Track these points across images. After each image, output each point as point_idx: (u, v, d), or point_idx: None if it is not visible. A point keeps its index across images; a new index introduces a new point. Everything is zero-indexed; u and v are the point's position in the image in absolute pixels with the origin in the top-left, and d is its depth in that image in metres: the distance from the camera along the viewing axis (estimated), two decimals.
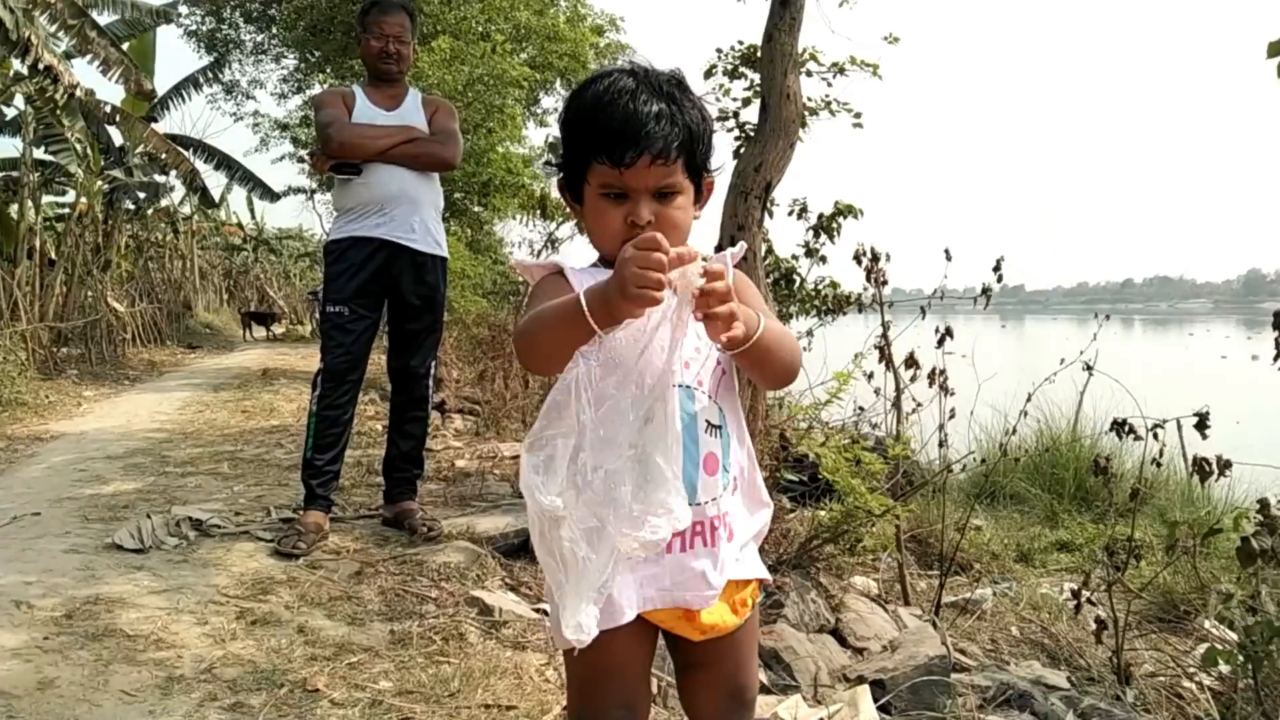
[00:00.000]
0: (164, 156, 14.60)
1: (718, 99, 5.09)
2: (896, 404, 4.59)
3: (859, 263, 4.57)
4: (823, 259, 5.33)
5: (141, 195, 15.65)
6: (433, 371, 4.07)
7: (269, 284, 29.84)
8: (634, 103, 1.35)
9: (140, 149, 14.24)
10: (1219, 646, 3.16)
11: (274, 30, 13.26)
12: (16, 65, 9.84)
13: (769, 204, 4.28)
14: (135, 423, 7.11)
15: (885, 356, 4.50)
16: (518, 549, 3.86)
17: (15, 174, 12.23)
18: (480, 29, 10.92)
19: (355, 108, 3.75)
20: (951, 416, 4.52)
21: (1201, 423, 3.43)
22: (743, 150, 4.58)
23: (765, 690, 2.82)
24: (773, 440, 4.22)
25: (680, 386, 1.33)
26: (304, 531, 3.58)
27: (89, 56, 11.09)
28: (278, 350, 16.58)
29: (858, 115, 5.15)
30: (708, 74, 5.14)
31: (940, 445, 4.58)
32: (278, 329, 22.15)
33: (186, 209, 21.49)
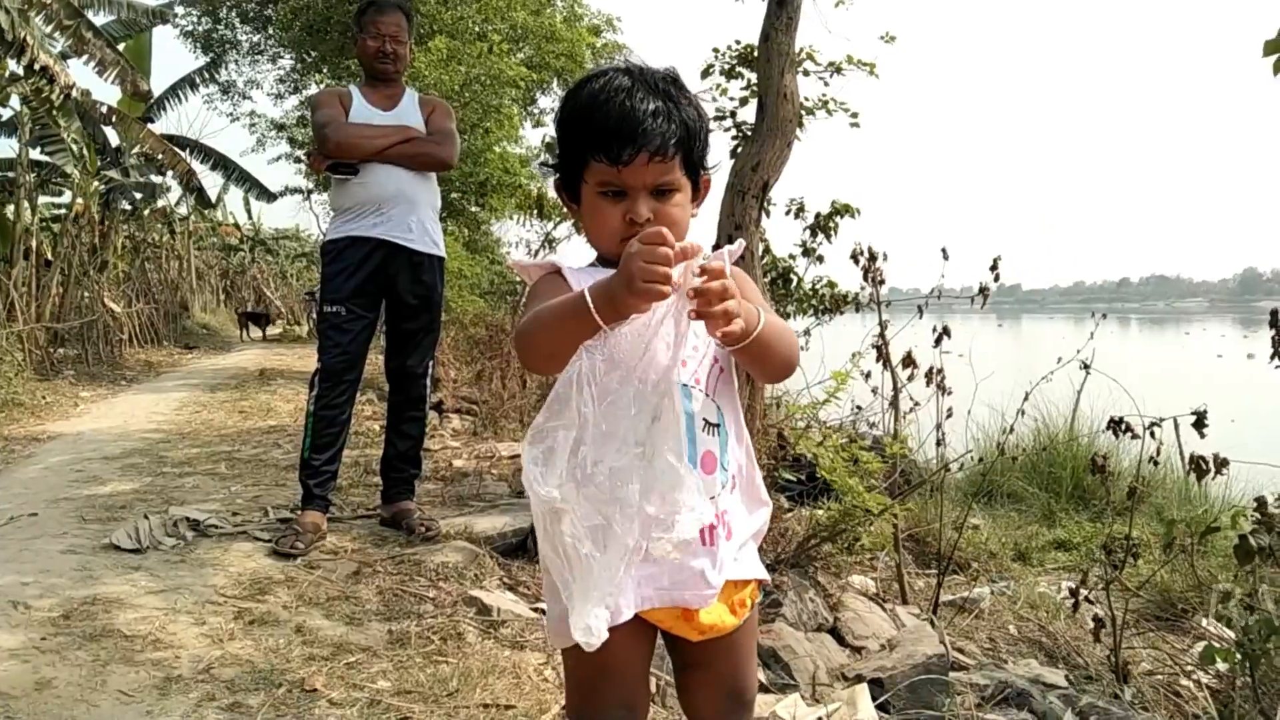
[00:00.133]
0: (160, 157, 14.59)
1: (715, 98, 5.09)
2: (894, 403, 4.60)
3: (856, 262, 4.57)
4: (820, 258, 5.33)
5: (138, 196, 15.64)
6: (430, 371, 4.07)
7: (266, 284, 29.83)
8: (630, 100, 1.35)
9: (137, 149, 14.23)
10: (1217, 644, 3.17)
11: (270, 30, 13.25)
12: (12, 66, 9.83)
13: (766, 203, 4.28)
14: (132, 423, 7.11)
15: (883, 356, 4.51)
16: (515, 549, 3.87)
17: (11, 175, 12.21)
18: (477, 29, 10.91)
19: (352, 108, 3.75)
20: (949, 416, 4.52)
21: (1199, 421, 3.43)
22: (740, 150, 4.59)
23: (764, 689, 2.83)
24: (771, 439, 4.22)
25: (679, 385, 1.33)
26: (302, 531, 3.57)
27: (85, 57, 11.09)
28: (275, 350, 16.58)
29: (854, 115, 5.16)
30: (705, 73, 5.15)
31: (938, 444, 4.59)
32: (272, 330, 22.14)
33: (183, 209, 21.49)
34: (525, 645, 2.81)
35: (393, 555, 3.55)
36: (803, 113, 4.60)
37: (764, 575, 1.53)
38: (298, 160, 17.01)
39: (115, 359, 12.33)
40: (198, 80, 15.96)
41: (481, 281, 11.86)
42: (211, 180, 19.20)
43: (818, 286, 5.37)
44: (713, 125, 1.48)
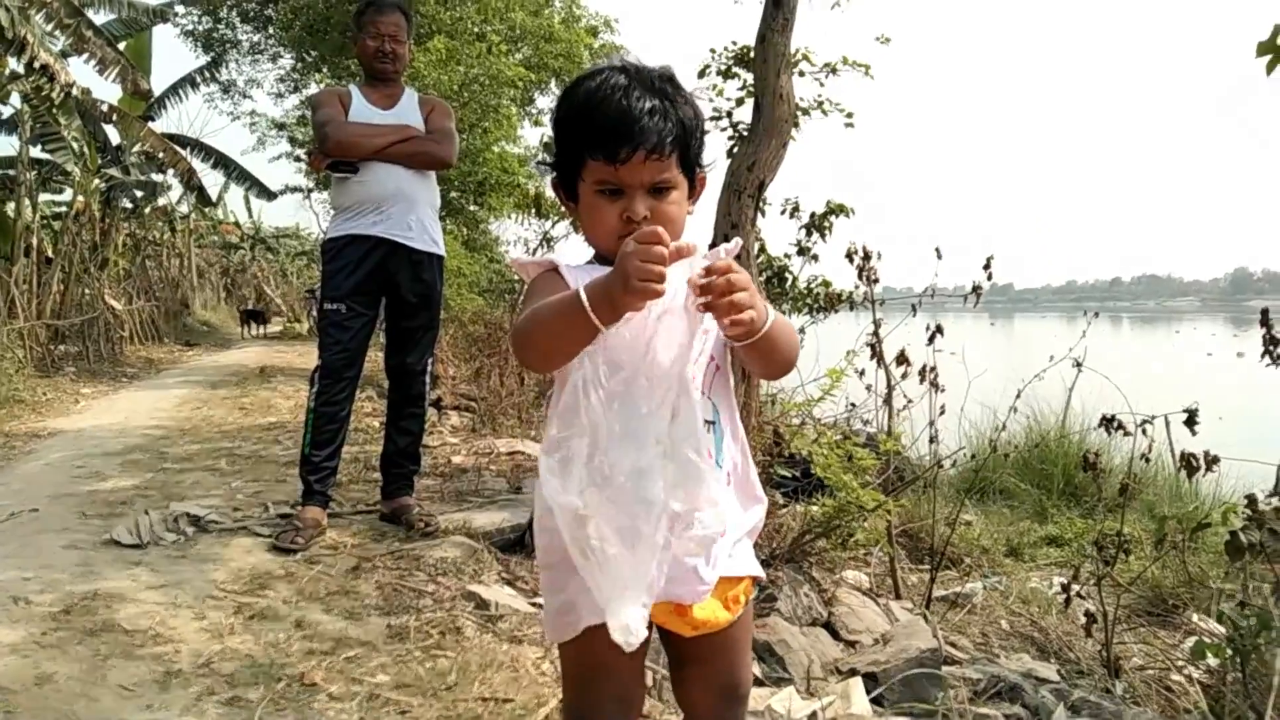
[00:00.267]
0: (161, 155, 14.59)
1: (711, 99, 5.12)
2: (888, 400, 4.62)
3: (851, 261, 4.60)
4: (814, 257, 5.35)
5: (139, 194, 15.65)
6: (429, 369, 4.09)
7: (266, 282, 29.83)
8: (627, 99, 1.36)
9: (137, 148, 14.23)
10: (1207, 640, 3.20)
11: (270, 30, 13.24)
12: (13, 64, 9.85)
13: (762, 203, 4.31)
14: (133, 420, 7.13)
15: (877, 354, 4.53)
16: (514, 544, 3.89)
17: (12, 172, 12.22)
18: (476, 30, 10.92)
19: (352, 107, 3.77)
20: (942, 413, 4.54)
21: (1191, 419, 3.46)
22: (736, 149, 4.61)
23: (758, 683, 2.85)
24: (766, 436, 4.25)
25: (695, 382, 1.32)
26: (302, 527, 3.60)
27: (85, 55, 11.09)
28: (275, 348, 16.58)
29: (849, 115, 5.18)
30: (701, 74, 5.17)
31: (931, 441, 4.61)
32: (271, 328, 22.13)
33: (184, 208, 21.50)
34: (523, 639, 2.83)
35: (392, 550, 3.57)
36: (798, 113, 4.62)
37: (758, 572, 1.53)
38: (298, 159, 17.00)
39: (116, 356, 12.35)
40: (198, 79, 15.96)
41: (480, 280, 11.87)
42: (212, 179, 19.22)
43: (812, 285, 5.40)
44: (709, 125, 1.51)
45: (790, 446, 4.12)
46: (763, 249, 5.11)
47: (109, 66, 11.44)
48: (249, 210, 29.44)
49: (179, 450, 5.78)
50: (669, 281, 1.18)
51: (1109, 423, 3.71)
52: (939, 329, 4.43)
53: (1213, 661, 3.20)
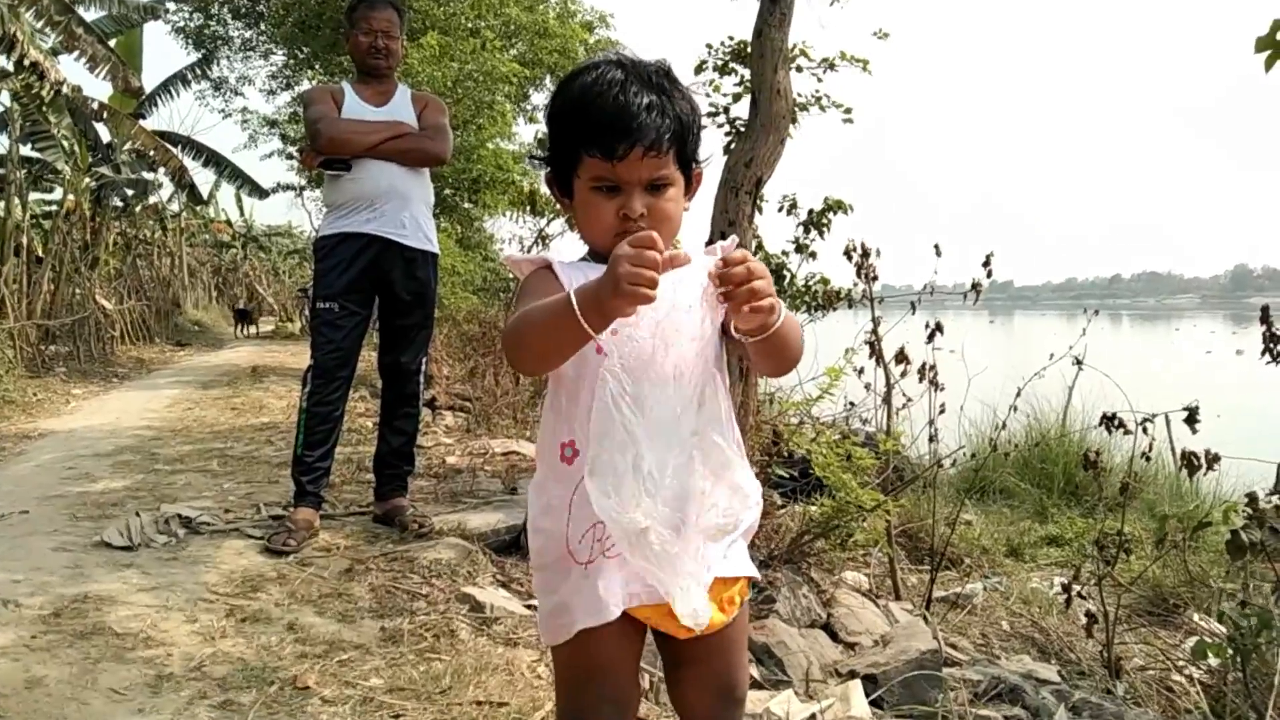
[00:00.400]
0: (152, 153, 14.55)
1: (708, 94, 5.08)
2: (887, 399, 4.60)
3: (849, 258, 4.57)
4: (813, 255, 5.33)
5: (129, 192, 15.57)
6: (424, 368, 4.07)
7: (258, 281, 29.76)
8: (624, 94, 1.34)
9: (128, 146, 14.19)
10: (1208, 639, 3.18)
11: (262, 26, 13.18)
12: (2, 61, 9.79)
13: (759, 199, 4.28)
14: (124, 420, 7.09)
15: (876, 352, 4.51)
16: (509, 545, 3.86)
17: (2, 171, 12.15)
18: (470, 25, 10.89)
19: (344, 104, 3.74)
20: (941, 412, 4.53)
21: (1191, 417, 3.44)
22: (733, 146, 4.58)
23: (757, 685, 2.83)
24: (764, 436, 4.23)
25: (718, 372, 1.35)
26: (294, 529, 3.57)
27: (76, 53, 11.04)
28: (267, 347, 16.54)
29: (848, 110, 5.15)
30: (698, 69, 5.14)
31: (930, 440, 4.59)
32: (264, 327, 22.07)
33: (175, 206, 21.40)
34: (518, 642, 2.80)
35: (385, 552, 3.54)
36: (796, 109, 4.59)
37: (753, 572, 1.52)
38: (290, 157, 16.93)
39: (107, 356, 12.30)
40: (189, 76, 15.91)
41: (475, 278, 11.83)
42: (203, 177, 19.27)
43: (811, 283, 5.37)
44: (706, 121, 1.48)
45: (789, 445, 4.09)
46: (760, 246, 5.07)
47: (100, 64, 11.40)
48: (241, 208, 29.41)
49: (170, 451, 5.74)
50: (668, 286, 1.17)
51: (1109, 421, 3.68)
52: (938, 327, 4.40)
53: (1214, 661, 3.19)
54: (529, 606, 3.10)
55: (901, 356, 4.41)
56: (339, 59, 11.08)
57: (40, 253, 12.21)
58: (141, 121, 15.44)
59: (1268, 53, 2.63)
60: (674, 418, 1.24)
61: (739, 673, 1.56)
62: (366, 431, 6.13)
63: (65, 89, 10.29)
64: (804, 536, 3.91)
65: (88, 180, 13.15)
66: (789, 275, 5.31)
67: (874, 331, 4.51)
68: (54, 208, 14.18)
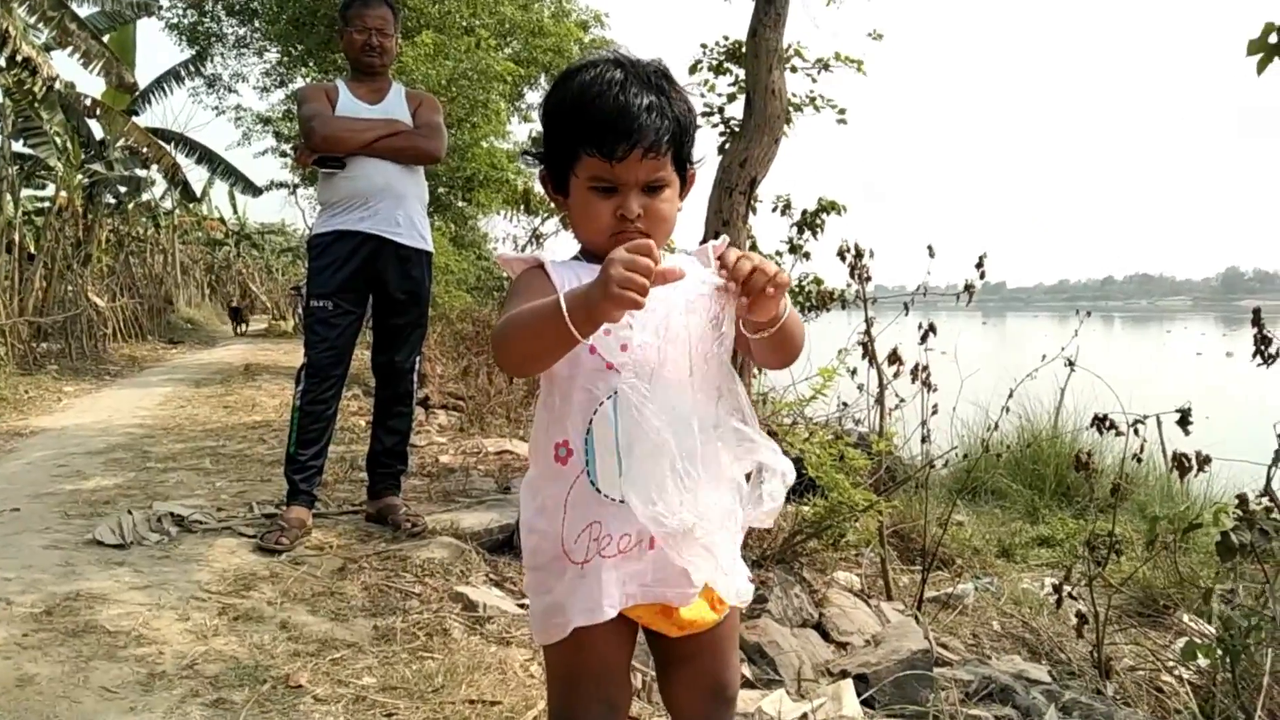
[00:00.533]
0: (145, 150, 14.52)
1: (702, 94, 5.09)
2: (880, 400, 4.61)
3: (843, 259, 4.58)
4: (806, 255, 5.34)
5: (122, 189, 15.54)
6: (417, 367, 4.05)
7: (251, 279, 29.69)
8: (624, 95, 1.34)
9: (121, 143, 14.14)
10: (1198, 640, 3.19)
11: (256, 24, 13.13)
12: None
13: (754, 200, 4.28)
14: (116, 418, 7.06)
15: (869, 353, 4.52)
16: (502, 544, 3.86)
17: None
18: (464, 23, 10.87)
19: (338, 102, 3.73)
20: (934, 412, 4.54)
21: (1184, 419, 3.46)
22: (728, 146, 4.58)
23: (749, 685, 2.83)
24: None
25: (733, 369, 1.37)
26: (287, 527, 3.56)
27: (69, 49, 11.01)
28: (260, 346, 16.49)
29: (842, 111, 5.16)
30: (693, 69, 5.14)
31: (923, 441, 4.61)
32: (257, 325, 22.00)
33: (168, 203, 21.36)
34: (511, 641, 2.80)
35: (378, 551, 3.54)
36: (790, 109, 4.60)
37: (745, 571, 1.53)
38: (283, 154, 16.88)
39: (99, 353, 12.25)
40: (183, 73, 15.87)
41: (469, 277, 11.83)
42: (196, 174, 19.14)
43: (804, 283, 5.38)
44: (700, 121, 1.49)
45: (782, 445, 4.09)
46: (754, 246, 5.08)
47: (94, 59, 11.37)
48: (234, 206, 29.36)
49: (162, 449, 5.73)
50: (665, 288, 1.18)
51: (1101, 422, 3.70)
52: (931, 328, 4.42)
53: (1203, 662, 3.20)
54: (522, 606, 3.10)
55: (894, 357, 4.42)
56: (333, 56, 11.05)
57: (32, 249, 12.17)
58: (134, 118, 15.40)
59: (1260, 55, 2.64)
60: (693, 414, 1.26)
61: (730, 671, 1.56)
62: (359, 430, 6.12)
63: (58, 85, 10.26)
64: (796, 536, 3.92)
65: (80, 177, 13.10)
66: None
67: (867, 332, 4.53)
68: (46, 204, 14.12)
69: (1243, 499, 3.02)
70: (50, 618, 2.76)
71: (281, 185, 20.40)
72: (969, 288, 4.65)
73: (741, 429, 1.29)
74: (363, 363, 5.52)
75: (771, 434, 4.13)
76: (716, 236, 1.52)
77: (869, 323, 4.55)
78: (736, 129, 4.59)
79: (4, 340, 9.56)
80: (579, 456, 1.36)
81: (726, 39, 5.12)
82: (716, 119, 5.06)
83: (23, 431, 6.42)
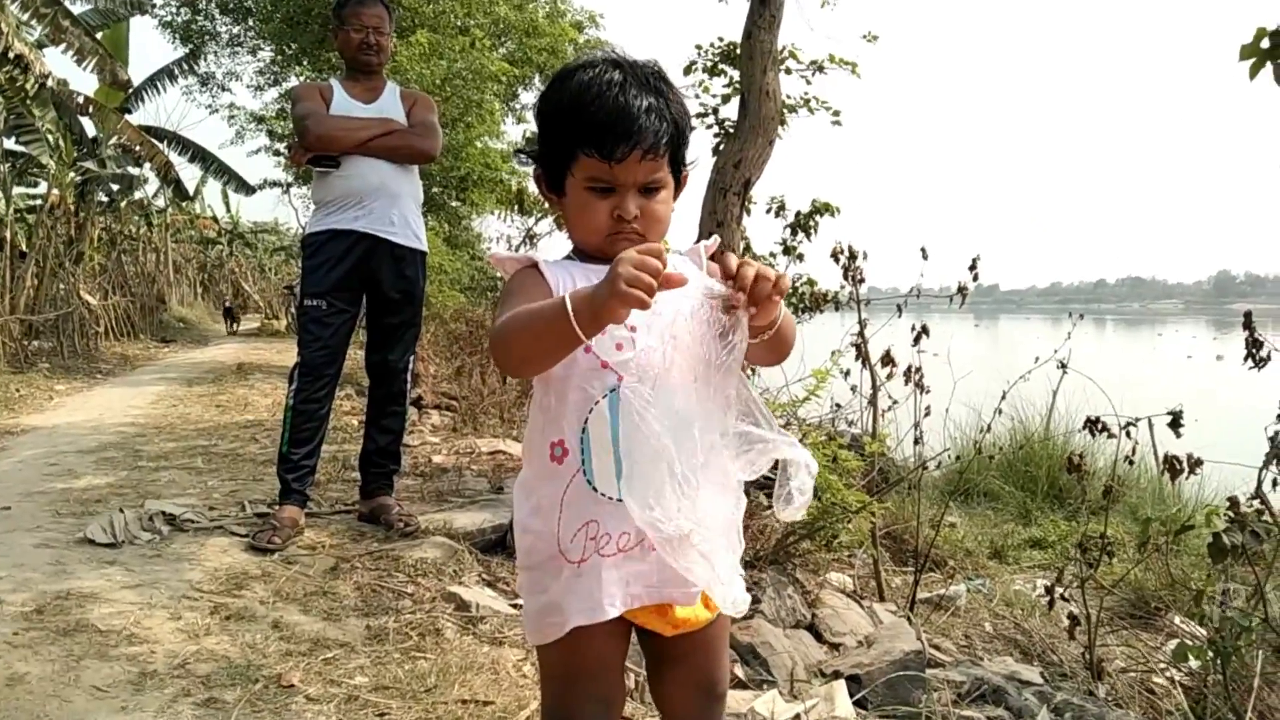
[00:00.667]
0: (138, 148, 14.48)
1: (697, 95, 5.09)
2: (873, 401, 4.62)
3: (836, 261, 4.59)
4: (800, 257, 5.35)
5: (115, 187, 15.51)
6: (411, 366, 4.05)
7: (244, 278, 29.62)
8: (624, 96, 1.34)
9: (114, 140, 14.10)
10: (1189, 642, 3.20)
11: (250, 22, 13.09)
12: None
13: (748, 201, 4.29)
14: (107, 417, 7.04)
15: (862, 354, 4.53)
16: (495, 544, 3.86)
17: None
18: (459, 23, 10.85)
19: (333, 101, 3.73)
20: (927, 414, 4.55)
21: (1175, 421, 3.47)
22: (722, 147, 4.59)
23: (742, 685, 2.84)
24: None
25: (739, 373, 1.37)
26: (279, 526, 3.55)
27: (63, 46, 10.96)
28: (253, 345, 16.46)
29: (836, 113, 5.17)
30: (687, 70, 5.15)
31: (915, 443, 4.62)
32: (250, 324, 21.94)
33: (160, 202, 21.29)
34: (504, 641, 2.80)
35: (371, 551, 3.53)
36: (785, 111, 4.61)
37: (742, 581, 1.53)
38: (277, 153, 16.81)
39: (91, 352, 12.21)
40: (176, 71, 15.80)
41: (462, 277, 11.81)
42: (189, 172, 19.06)
43: (798, 284, 5.39)
44: (695, 122, 1.49)
45: None
46: (748, 247, 5.09)
47: (87, 56, 11.34)
48: (227, 205, 29.27)
49: (154, 448, 5.71)
50: (670, 293, 1.18)
51: (1093, 425, 3.71)
52: (924, 330, 4.43)
53: (1194, 664, 3.21)
54: (515, 606, 3.10)
55: (887, 359, 4.43)
56: (327, 55, 11.03)
57: (24, 247, 12.12)
58: (127, 116, 15.34)
59: (1252, 60, 2.66)
60: (695, 421, 1.25)
61: (720, 670, 1.57)
62: (352, 430, 6.11)
63: (50, 82, 10.22)
64: (789, 537, 3.92)
65: (72, 175, 13.07)
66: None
67: (860, 334, 4.53)
68: (38, 202, 14.07)
69: (1234, 501, 3.03)
70: (41, 616, 2.75)
71: (275, 184, 20.31)
72: (962, 290, 4.66)
73: (752, 431, 1.29)
74: (356, 362, 5.51)
75: None
76: (710, 237, 1.52)
77: (862, 324, 4.56)
78: (731, 130, 4.60)
79: None
80: (574, 455, 1.36)
81: (721, 40, 5.13)
82: (711, 120, 5.06)
83: (14, 430, 6.39)
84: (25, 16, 10.39)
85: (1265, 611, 3.02)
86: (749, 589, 3.41)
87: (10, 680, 2.33)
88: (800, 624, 3.57)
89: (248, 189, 19.91)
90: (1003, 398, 4.51)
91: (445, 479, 4.89)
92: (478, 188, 10.35)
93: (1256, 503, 3.07)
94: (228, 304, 22.98)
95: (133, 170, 15.86)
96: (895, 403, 4.67)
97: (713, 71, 5.14)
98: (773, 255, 5.32)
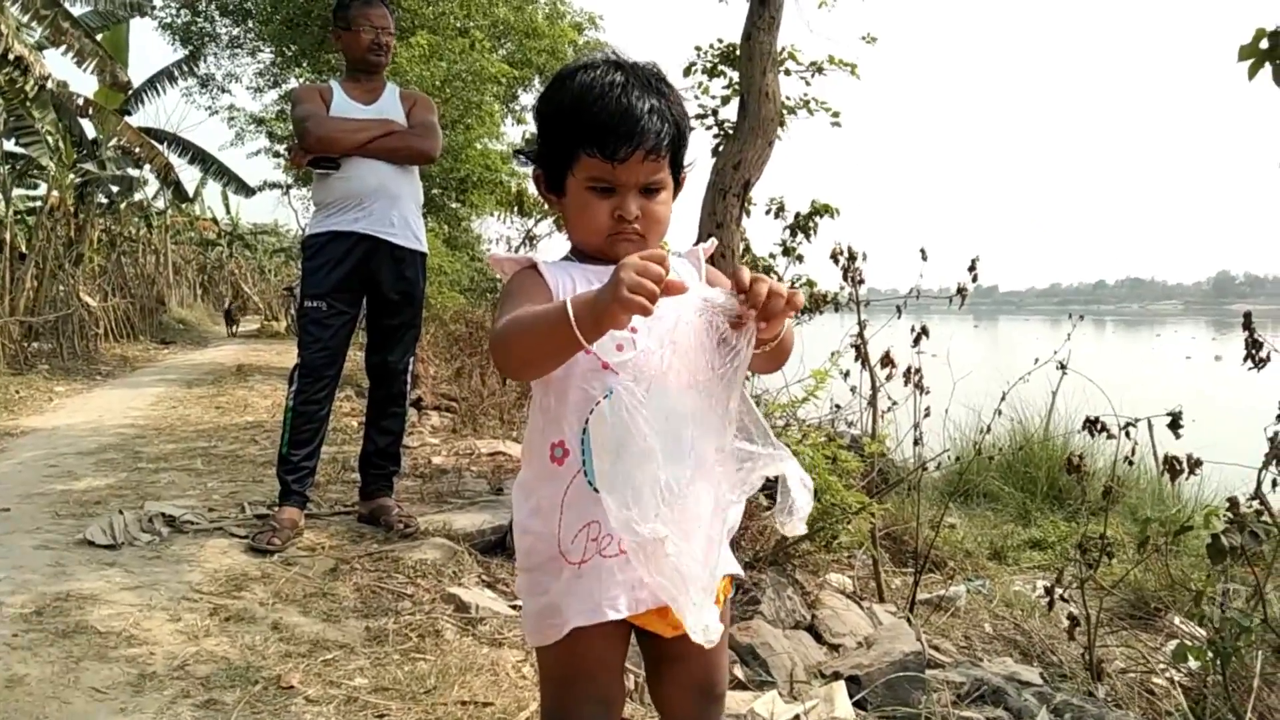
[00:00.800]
0: (138, 150, 14.47)
1: (696, 97, 5.09)
2: (872, 402, 4.62)
3: (836, 262, 4.59)
4: (799, 258, 5.34)
5: (115, 189, 15.50)
6: (410, 368, 4.05)
7: (244, 279, 29.61)
8: (627, 97, 1.34)
9: (114, 142, 14.10)
10: (1189, 643, 3.20)
11: (250, 24, 13.09)
12: None
13: (747, 202, 4.29)
14: (107, 418, 7.04)
15: (861, 355, 4.53)
16: (494, 546, 3.86)
17: None
18: (459, 25, 10.85)
19: (333, 102, 3.73)
20: (926, 415, 4.55)
21: (1175, 422, 3.47)
22: (722, 148, 4.59)
23: (742, 686, 2.84)
24: None
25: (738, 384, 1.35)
26: (279, 528, 3.55)
27: (63, 48, 10.96)
28: (252, 346, 16.46)
29: (836, 114, 5.17)
30: (687, 72, 5.14)
31: (915, 443, 4.61)
32: (250, 326, 21.93)
33: (160, 203, 21.29)
34: (503, 642, 2.80)
35: (371, 552, 3.53)
36: (784, 112, 4.61)
37: (738, 570, 1.53)
38: (277, 155, 16.82)
39: (90, 353, 12.20)
40: (176, 73, 15.80)
41: (462, 278, 11.80)
42: (189, 174, 19.10)
43: (797, 285, 5.39)
44: (694, 123, 1.49)
45: None
46: (748, 248, 5.09)
47: (87, 58, 11.34)
48: (226, 206, 29.27)
49: (154, 450, 5.71)
50: (671, 300, 1.18)
51: (1092, 425, 3.71)
52: (924, 331, 4.43)
53: (1194, 664, 3.21)
54: (514, 607, 3.10)
55: (887, 360, 4.43)
56: (327, 57, 11.04)
57: (24, 249, 12.12)
58: (127, 118, 15.35)
59: (1251, 60, 2.66)
60: (686, 428, 1.24)
61: (719, 671, 1.57)
62: (352, 431, 6.11)
63: (50, 84, 10.22)
64: (789, 538, 3.92)
65: (72, 176, 13.07)
66: (776, 278, 5.32)
67: (860, 335, 4.53)
68: (38, 204, 14.07)
69: (1233, 502, 3.03)
70: (40, 618, 2.75)
71: (274, 186, 20.34)
72: (961, 291, 4.66)
73: (745, 448, 1.27)
74: (356, 363, 5.51)
75: None
76: (708, 239, 1.52)
77: (862, 325, 4.56)
78: (730, 132, 4.60)
79: None
80: (575, 456, 1.36)
81: (721, 42, 5.12)
82: (710, 121, 5.06)
83: (13, 432, 6.39)
84: (25, 18, 10.40)
85: (1265, 612, 3.02)
86: (748, 589, 3.41)
87: (10, 682, 2.33)
88: (800, 625, 3.57)
89: (247, 190, 19.91)
90: (1002, 399, 4.52)
91: (445, 480, 4.89)
92: (477, 189, 10.34)
93: (1256, 503, 3.07)
94: (227, 306, 22.98)
95: (132, 172, 15.85)
96: (895, 404, 4.68)
97: (712, 73, 5.14)
98: (772, 256, 5.32)
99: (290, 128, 4.55)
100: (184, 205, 22.13)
